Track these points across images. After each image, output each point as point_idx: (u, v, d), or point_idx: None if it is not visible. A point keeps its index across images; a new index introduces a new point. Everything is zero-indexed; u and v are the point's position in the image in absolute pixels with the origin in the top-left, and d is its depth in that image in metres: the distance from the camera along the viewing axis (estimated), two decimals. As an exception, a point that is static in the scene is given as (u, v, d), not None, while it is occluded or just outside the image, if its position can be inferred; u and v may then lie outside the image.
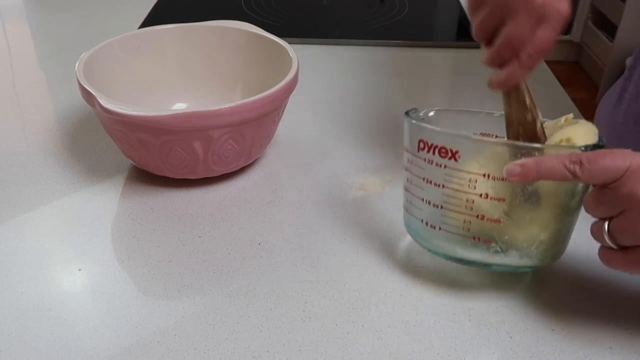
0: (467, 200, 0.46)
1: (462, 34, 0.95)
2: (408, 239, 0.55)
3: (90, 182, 0.61)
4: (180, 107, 0.70)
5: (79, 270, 0.51)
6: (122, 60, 0.66)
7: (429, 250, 0.51)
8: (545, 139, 0.48)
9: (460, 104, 0.78)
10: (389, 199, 0.60)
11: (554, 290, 0.50)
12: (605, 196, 0.42)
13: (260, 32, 0.68)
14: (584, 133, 0.46)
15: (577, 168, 0.41)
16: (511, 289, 0.50)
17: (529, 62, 0.47)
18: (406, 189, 0.50)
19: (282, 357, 0.44)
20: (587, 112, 0.72)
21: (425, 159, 0.47)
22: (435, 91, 0.82)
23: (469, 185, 0.45)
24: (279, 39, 0.66)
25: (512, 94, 0.48)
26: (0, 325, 0.46)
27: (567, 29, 2.76)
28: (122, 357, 0.44)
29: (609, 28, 2.48)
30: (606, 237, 0.42)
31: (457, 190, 0.46)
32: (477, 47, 0.55)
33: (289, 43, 0.65)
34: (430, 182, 0.47)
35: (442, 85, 0.84)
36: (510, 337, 0.46)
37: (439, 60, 0.89)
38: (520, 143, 0.47)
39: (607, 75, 2.41)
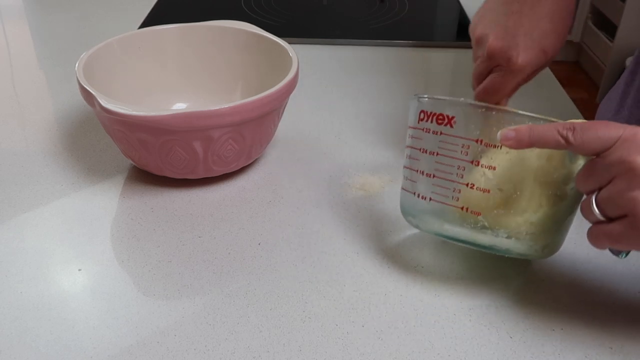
0: (459, 167, 0.46)
1: (462, 34, 0.95)
2: (408, 238, 0.55)
3: (90, 182, 0.62)
4: (180, 107, 0.70)
5: (79, 270, 0.51)
6: (122, 60, 0.66)
7: (417, 227, 0.51)
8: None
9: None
10: (389, 199, 0.60)
11: (554, 290, 0.50)
12: (595, 166, 0.42)
13: (260, 32, 0.68)
14: None
15: (569, 134, 0.41)
16: (511, 289, 0.50)
17: (477, 96, 0.56)
18: (404, 167, 0.51)
19: (282, 357, 0.44)
20: (587, 112, 0.72)
21: (423, 129, 0.48)
22: (435, 91, 0.82)
23: (461, 152, 0.46)
24: (279, 39, 0.66)
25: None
26: (0, 325, 0.46)
27: (567, 29, 2.76)
28: (122, 357, 0.44)
29: (609, 28, 2.48)
30: (594, 207, 0.42)
31: (449, 157, 0.47)
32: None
33: (289, 43, 0.65)
34: (426, 151, 0.48)
35: (442, 85, 0.84)
36: (510, 337, 0.46)
37: (439, 60, 0.89)
38: (519, 111, 0.46)
39: (607, 75, 2.41)
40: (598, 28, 2.58)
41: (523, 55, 0.52)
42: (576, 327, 0.47)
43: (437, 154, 0.47)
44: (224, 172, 0.61)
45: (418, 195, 0.49)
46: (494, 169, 0.45)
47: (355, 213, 0.58)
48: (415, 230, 0.55)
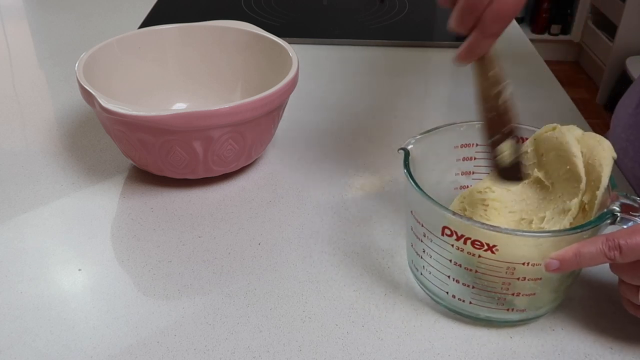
0: (504, 284, 0.44)
1: (461, 34, 0.95)
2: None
3: (90, 182, 0.61)
4: (180, 107, 0.70)
5: (79, 270, 0.51)
6: (122, 60, 0.66)
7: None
8: (511, 114, 0.44)
9: (459, 104, 0.78)
10: (388, 198, 0.60)
11: (554, 290, 0.50)
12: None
13: (260, 32, 0.68)
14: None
15: (617, 254, 0.40)
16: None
17: (490, 28, 0.43)
18: (420, 256, 0.47)
19: (282, 357, 0.44)
20: (587, 112, 0.72)
21: (453, 245, 0.43)
22: (435, 91, 0.82)
23: (506, 272, 0.43)
24: (279, 39, 0.66)
25: (478, 66, 0.44)
26: (0, 325, 0.46)
27: (567, 29, 2.76)
28: (122, 357, 0.44)
29: (609, 28, 2.48)
30: None
31: (492, 275, 0.43)
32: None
33: (289, 43, 0.65)
34: (460, 265, 0.44)
35: (442, 85, 0.84)
36: (510, 337, 0.46)
37: (439, 60, 0.89)
38: (561, 230, 0.44)
39: (607, 75, 2.41)
40: (598, 28, 2.59)
41: None
42: (576, 327, 0.47)
43: (476, 271, 0.43)
44: (224, 172, 0.61)
45: (453, 296, 0.46)
46: (540, 279, 0.43)
47: (355, 213, 0.58)
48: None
